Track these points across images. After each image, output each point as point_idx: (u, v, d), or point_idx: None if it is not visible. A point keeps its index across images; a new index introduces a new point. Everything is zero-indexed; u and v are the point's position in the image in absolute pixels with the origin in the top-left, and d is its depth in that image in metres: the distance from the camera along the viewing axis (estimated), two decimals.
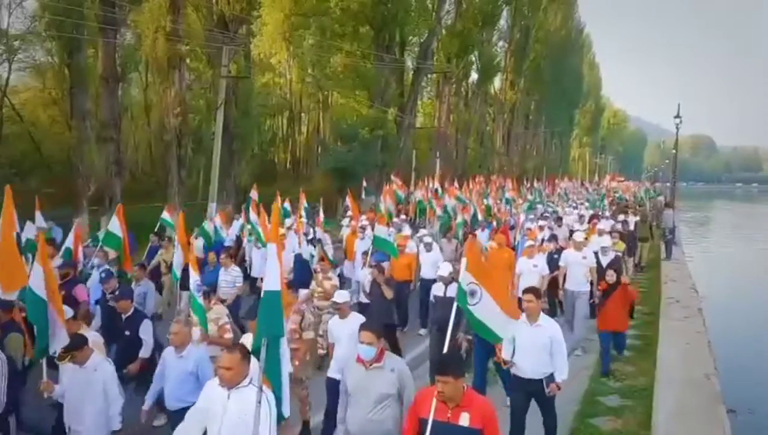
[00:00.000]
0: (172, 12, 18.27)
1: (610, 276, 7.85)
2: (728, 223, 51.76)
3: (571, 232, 11.49)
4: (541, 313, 5.32)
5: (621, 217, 17.65)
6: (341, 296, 5.91)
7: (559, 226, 14.77)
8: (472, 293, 4.69)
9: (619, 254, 10.65)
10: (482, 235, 13.19)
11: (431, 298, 7.51)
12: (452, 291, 6.29)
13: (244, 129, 23.47)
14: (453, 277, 6.84)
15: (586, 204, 24.65)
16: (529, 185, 37.12)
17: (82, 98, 18.24)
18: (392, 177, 22.67)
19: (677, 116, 25.19)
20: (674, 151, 31.30)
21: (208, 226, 12.70)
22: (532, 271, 8.91)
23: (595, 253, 9.63)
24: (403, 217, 17.34)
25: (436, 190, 20.80)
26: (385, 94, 31.20)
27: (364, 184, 22.01)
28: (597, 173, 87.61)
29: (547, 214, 18.39)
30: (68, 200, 17.96)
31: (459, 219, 14.26)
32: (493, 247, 10.59)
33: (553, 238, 11.72)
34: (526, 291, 5.42)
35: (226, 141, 20.90)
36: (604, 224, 14.10)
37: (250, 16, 22.54)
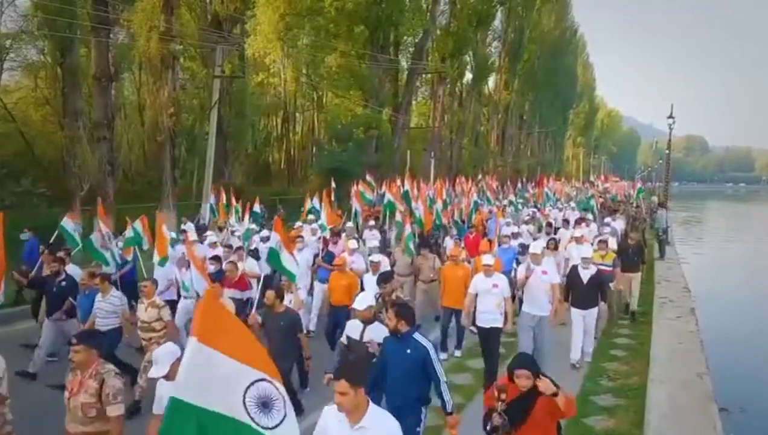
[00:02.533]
0: (165, 11, 18.18)
1: (526, 378, 3.58)
2: (720, 223, 52.06)
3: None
4: (371, 405, 3.19)
5: (608, 219, 15.86)
6: (159, 369, 4.04)
7: (547, 232, 13.26)
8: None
9: (608, 268, 9.18)
10: (450, 243, 11.67)
11: (344, 339, 5.44)
12: (372, 334, 5.05)
13: (238, 129, 23.46)
14: (377, 313, 5.37)
15: (573, 205, 22.98)
16: (510, 186, 35.32)
17: (75, 98, 18.16)
18: (367, 177, 21.06)
19: (670, 116, 25.37)
20: (667, 151, 31.48)
21: (96, 238, 9.64)
22: (491, 292, 7.12)
23: (575, 267, 8.34)
24: (372, 222, 15.07)
25: (406, 192, 18.05)
26: (380, 94, 31.22)
27: (333, 185, 19.01)
28: (591, 173, 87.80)
29: (527, 218, 16.21)
30: (61, 200, 17.85)
31: (408, 230, 11.50)
32: (447, 265, 9.01)
33: (525, 248, 9.76)
34: (338, 377, 3.15)
35: (220, 141, 20.84)
36: (588, 229, 12.59)
37: (244, 16, 22.55)
